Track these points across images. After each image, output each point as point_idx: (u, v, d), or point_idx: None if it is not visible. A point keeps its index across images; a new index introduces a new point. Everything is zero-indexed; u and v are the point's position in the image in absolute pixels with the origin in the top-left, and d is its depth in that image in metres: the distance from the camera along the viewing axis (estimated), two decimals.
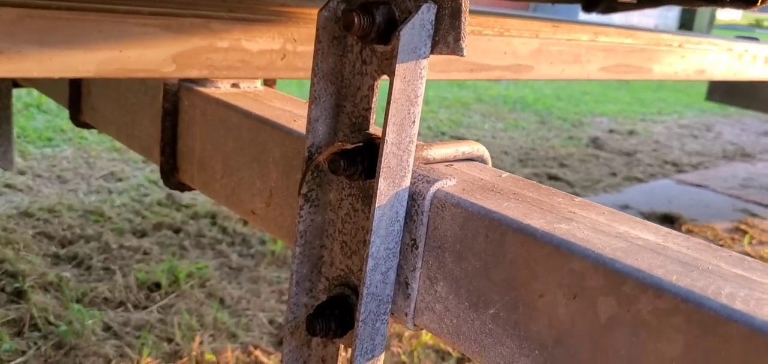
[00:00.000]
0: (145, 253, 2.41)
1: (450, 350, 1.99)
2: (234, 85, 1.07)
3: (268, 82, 1.13)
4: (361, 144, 0.68)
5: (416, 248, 0.70)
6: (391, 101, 0.63)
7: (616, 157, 4.85)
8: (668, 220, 3.39)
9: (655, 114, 6.93)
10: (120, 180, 3.17)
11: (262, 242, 2.62)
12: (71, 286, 2.10)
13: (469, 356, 0.68)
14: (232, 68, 1.02)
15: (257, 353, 1.88)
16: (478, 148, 0.80)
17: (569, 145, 5.09)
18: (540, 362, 0.61)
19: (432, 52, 0.64)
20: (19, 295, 2.02)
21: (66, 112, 1.38)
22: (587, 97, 7.64)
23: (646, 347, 0.53)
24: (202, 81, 1.04)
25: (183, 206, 2.90)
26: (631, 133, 5.83)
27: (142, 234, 2.59)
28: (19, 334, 1.84)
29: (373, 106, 0.70)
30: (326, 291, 0.80)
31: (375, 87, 0.69)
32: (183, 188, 1.11)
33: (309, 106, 0.71)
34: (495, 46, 1.45)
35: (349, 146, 0.68)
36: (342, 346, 0.80)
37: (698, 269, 0.55)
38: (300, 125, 0.87)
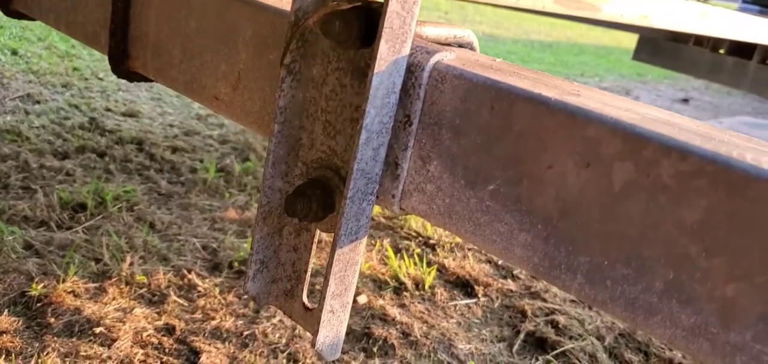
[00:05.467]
0: (68, 174, 2.27)
1: (387, 279, 1.97)
2: None
3: None
4: (359, 4, 0.63)
5: (409, 125, 0.66)
6: None
7: None
8: None
9: (577, 76, 7.11)
10: (38, 102, 2.97)
11: (193, 171, 2.52)
12: None
13: (461, 237, 0.65)
14: None
15: (191, 276, 1.81)
16: (469, 35, 0.77)
17: None
18: (542, 237, 0.59)
19: None
20: None
21: None
22: (513, 56, 7.74)
23: (663, 212, 0.51)
24: None
25: (107, 132, 2.75)
26: None
27: (64, 156, 2.44)
28: None
29: None
30: (303, 176, 0.75)
31: None
32: (133, 77, 1.03)
33: None
34: None
35: (345, 6, 0.63)
36: (316, 234, 0.77)
37: (715, 140, 0.53)
38: (274, 1, 0.81)
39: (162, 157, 2.58)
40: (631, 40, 6.37)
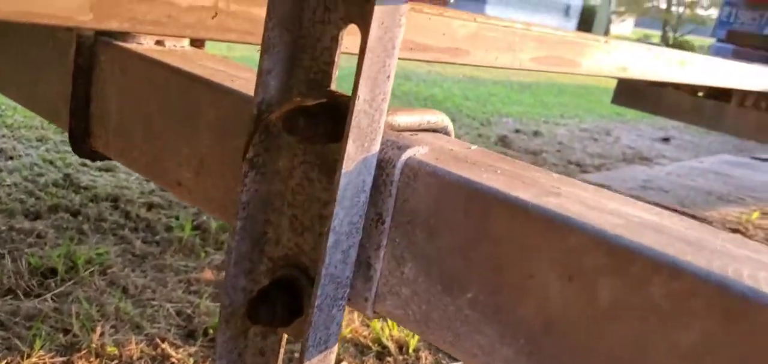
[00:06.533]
0: (39, 236, 2.20)
1: (369, 343, 1.91)
2: (158, 43, 0.95)
3: (196, 44, 1.02)
4: (324, 101, 0.59)
5: (382, 224, 0.62)
6: (366, 50, 0.54)
7: (523, 156, 4.93)
8: None
9: (557, 117, 7.14)
10: (11, 158, 2.90)
11: (168, 229, 2.46)
12: None
13: (440, 347, 0.61)
14: (157, 23, 0.90)
15: (164, 345, 1.74)
16: (443, 119, 0.73)
17: (478, 143, 5.13)
18: (525, 352, 0.54)
19: None
20: None
21: None
22: (493, 97, 7.78)
23: (656, 335, 0.47)
24: (121, 35, 0.92)
25: (82, 188, 2.69)
26: (535, 133, 5.97)
27: (36, 216, 2.37)
28: None
29: (335, 60, 0.62)
30: (269, 274, 0.70)
31: (339, 39, 0.61)
32: (95, 156, 0.98)
33: (261, 56, 0.62)
34: (434, 26, 1.39)
35: (310, 102, 0.59)
36: (284, 336, 0.71)
37: (707, 250, 0.49)
38: (240, 85, 0.77)
39: (137, 214, 2.52)
40: (610, 81, 6.43)
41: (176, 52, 0.95)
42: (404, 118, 0.68)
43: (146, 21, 0.90)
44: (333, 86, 0.63)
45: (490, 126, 5.95)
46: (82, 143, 0.97)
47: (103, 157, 0.98)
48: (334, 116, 0.60)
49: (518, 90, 8.81)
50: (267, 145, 0.66)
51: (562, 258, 0.51)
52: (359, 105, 0.56)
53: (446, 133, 0.73)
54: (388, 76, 0.57)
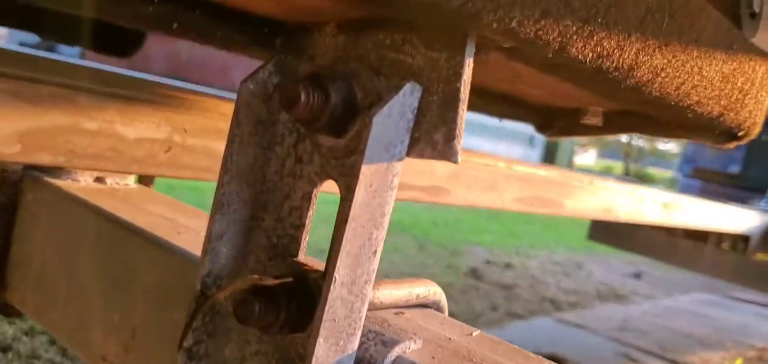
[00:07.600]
0: None
1: None
2: (98, 180, 0.81)
3: (145, 180, 0.88)
4: (290, 280, 0.45)
5: None
6: (349, 218, 0.41)
7: (495, 290, 4.80)
8: (555, 360, 3.29)
9: (528, 248, 7.06)
10: None
11: None
12: None
13: None
14: (99, 157, 0.77)
15: None
16: (435, 291, 0.59)
17: (449, 275, 4.99)
18: None
19: (409, 153, 0.43)
20: None
21: None
22: (463, 224, 7.72)
23: None
24: (55, 170, 0.78)
25: (17, 319, 2.46)
26: (507, 265, 5.85)
27: None
28: None
29: (306, 224, 0.48)
30: None
31: (313, 196, 0.47)
32: (10, 311, 0.82)
33: (211, 216, 0.48)
34: (413, 162, 1.28)
35: (270, 281, 0.45)
36: None
37: None
38: (186, 240, 0.63)
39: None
40: None
41: (118, 191, 0.81)
42: (388, 293, 0.54)
43: (86, 155, 0.76)
44: (301, 256, 0.49)
45: (460, 256, 5.83)
46: None
47: (18, 314, 0.81)
48: (300, 297, 0.46)
49: (486, 217, 8.78)
50: (211, 330, 0.51)
51: None
52: (335, 290, 0.42)
53: (439, 308, 0.60)
54: (375, 252, 0.44)
